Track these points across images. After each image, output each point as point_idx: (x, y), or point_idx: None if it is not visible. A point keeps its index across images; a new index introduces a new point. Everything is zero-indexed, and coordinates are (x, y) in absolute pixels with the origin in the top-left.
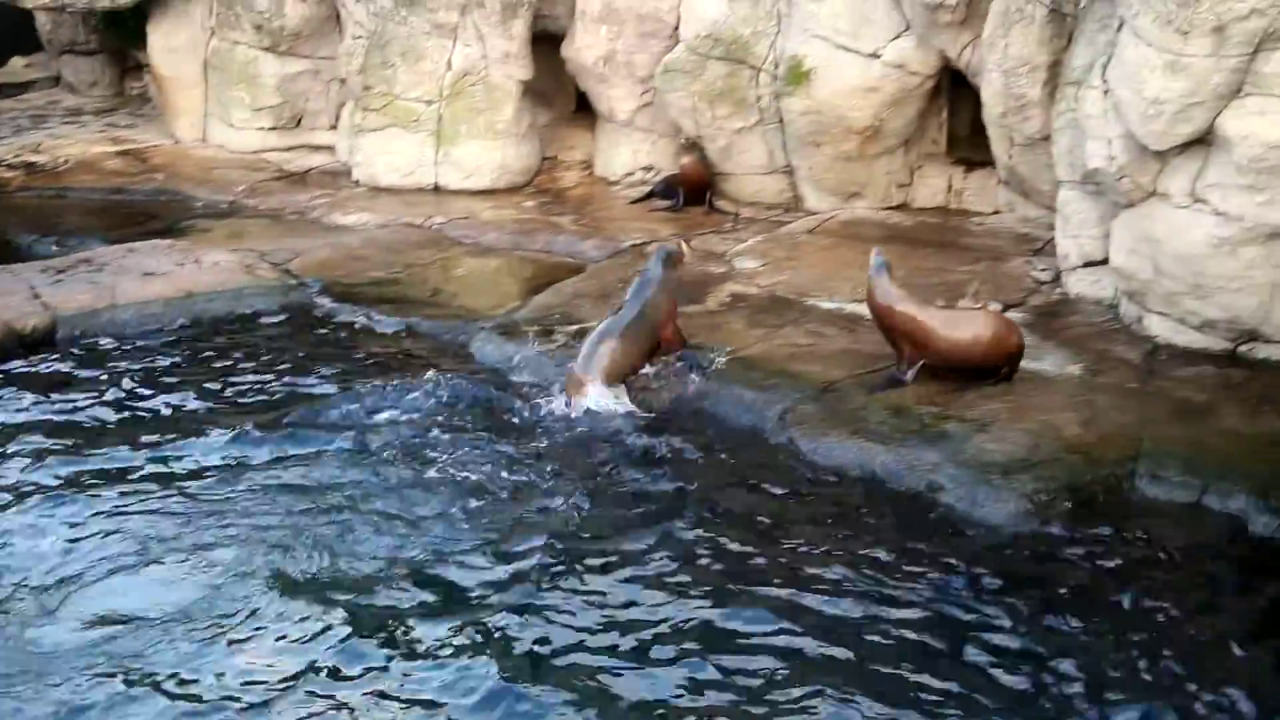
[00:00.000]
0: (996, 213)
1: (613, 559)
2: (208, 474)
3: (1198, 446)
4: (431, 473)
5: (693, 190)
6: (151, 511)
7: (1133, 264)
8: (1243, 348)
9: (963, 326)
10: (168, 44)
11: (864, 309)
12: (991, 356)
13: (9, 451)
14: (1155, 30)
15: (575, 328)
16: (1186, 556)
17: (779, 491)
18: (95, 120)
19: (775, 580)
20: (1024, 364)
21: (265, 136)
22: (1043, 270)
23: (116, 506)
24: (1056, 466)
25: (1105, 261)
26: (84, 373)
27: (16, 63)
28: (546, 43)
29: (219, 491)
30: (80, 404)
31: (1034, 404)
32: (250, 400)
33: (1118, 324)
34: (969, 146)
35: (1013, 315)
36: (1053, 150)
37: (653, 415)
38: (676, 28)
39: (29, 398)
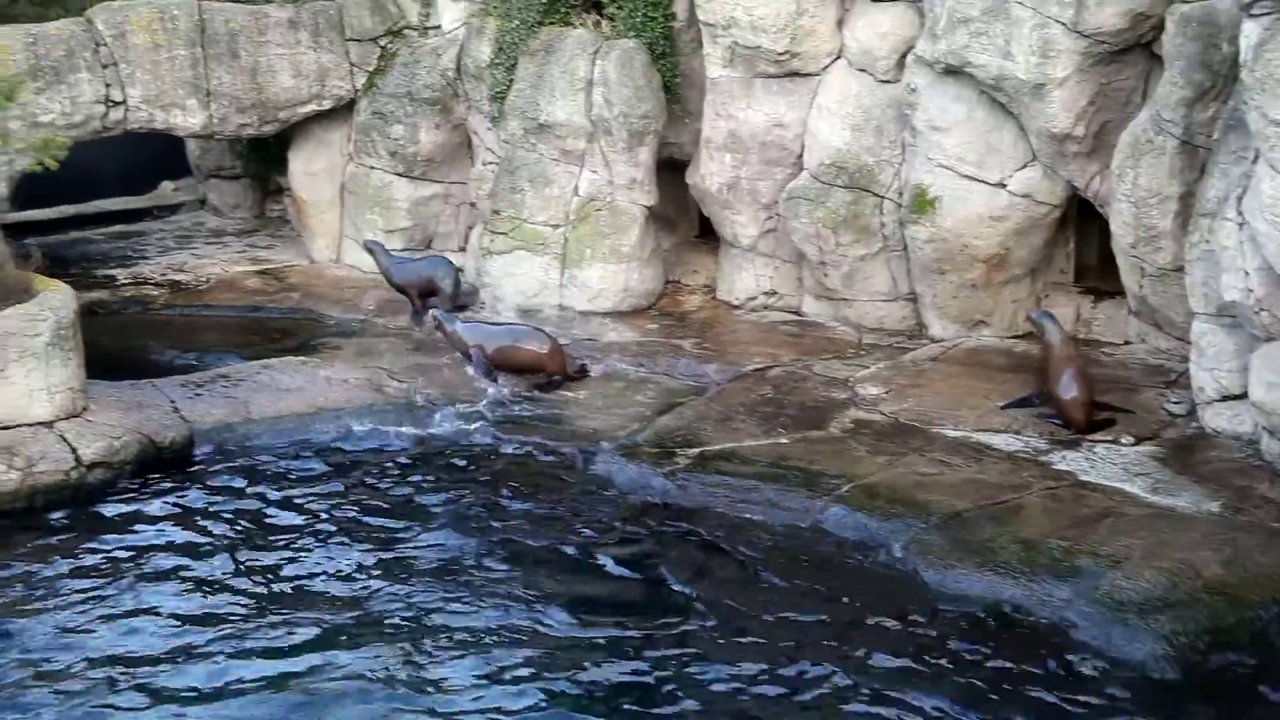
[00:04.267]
0: (1127, 343)
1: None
2: (332, 590)
3: None
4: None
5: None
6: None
7: (1274, 398)
8: None
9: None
10: (307, 169)
11: (991, 438)
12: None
13: (145, 556)
14: None
15: (697, 450)
16: None
17: (902, 623)
18: (237, 241)
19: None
20: (1157, 500)
21: None
22: (1177, 403)
23: (246, 616)
24: (1196, 607)
25: (1244, 395)
26: (217, 484)
27: (166, 186)
28: (671, 169)
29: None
30: (212, 514)
31: (1171, 541)
32: (374, 515)
33: (1258, 460)
34: (1098, 276)
35: (1146, 449)
36: (1186, 282)
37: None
38: (800, 155)
39: (166, 508)
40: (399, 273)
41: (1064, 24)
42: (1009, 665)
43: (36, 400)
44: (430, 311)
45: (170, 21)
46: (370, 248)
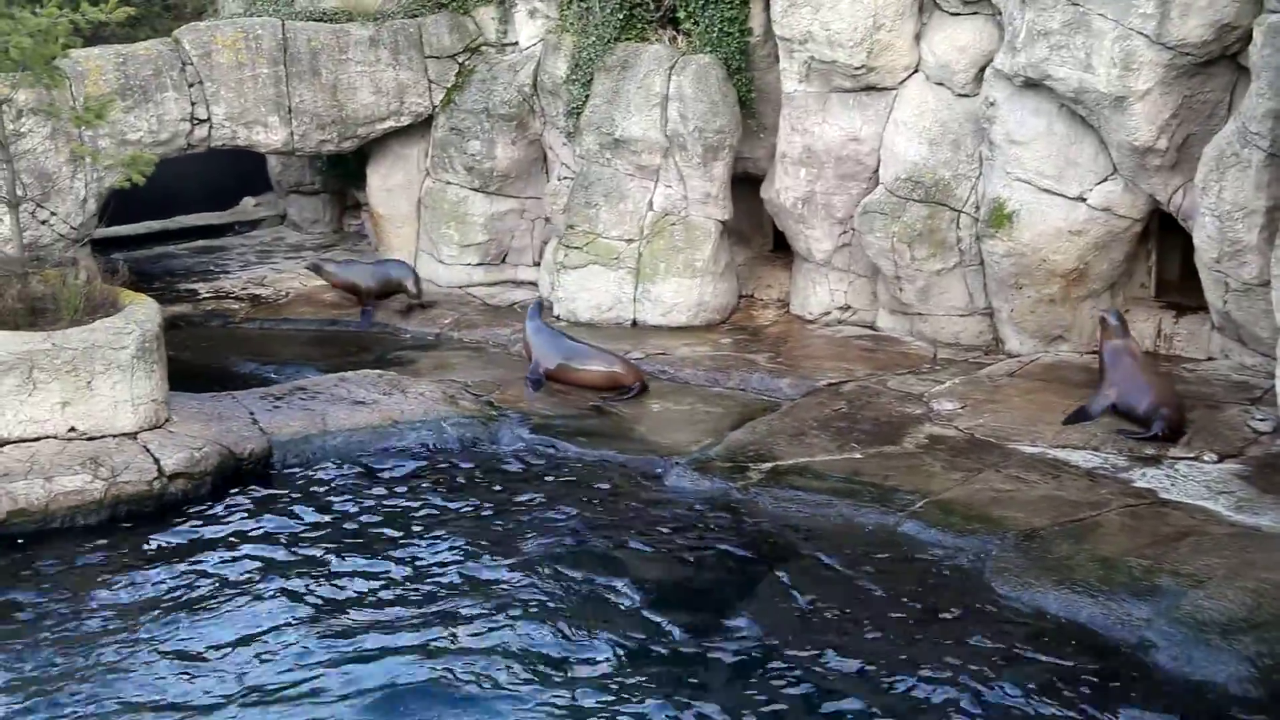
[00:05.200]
0: (1210, 359)
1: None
2: (411, 596)
3: None
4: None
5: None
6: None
7: None
8: None
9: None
10: (385, 184)
11: (1069, 454)
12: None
13: (225, 564)
14: None
15: (769, 465)
16: None
17: (975, 638)
18: (315, 255)
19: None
20: (1241, 519)
21: (472, 271)
22: (1261, 420)
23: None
24: None
25: None
26: (294, 495)
27: (248, 202)
28: (746, 184)
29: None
30: (290, 524)
31: (1254, 561)
32: (449, 525)
33: None
34: (1179, 290)
35: (1230, 466)
36: (1273, 297)
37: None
38: (876, 170)
39: (245, 518)
40: (360, 275)
41: (1147, 36)
42: (1086, 685)
43: (121, 412)
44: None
45: (254, 41)
46: (313, 266)
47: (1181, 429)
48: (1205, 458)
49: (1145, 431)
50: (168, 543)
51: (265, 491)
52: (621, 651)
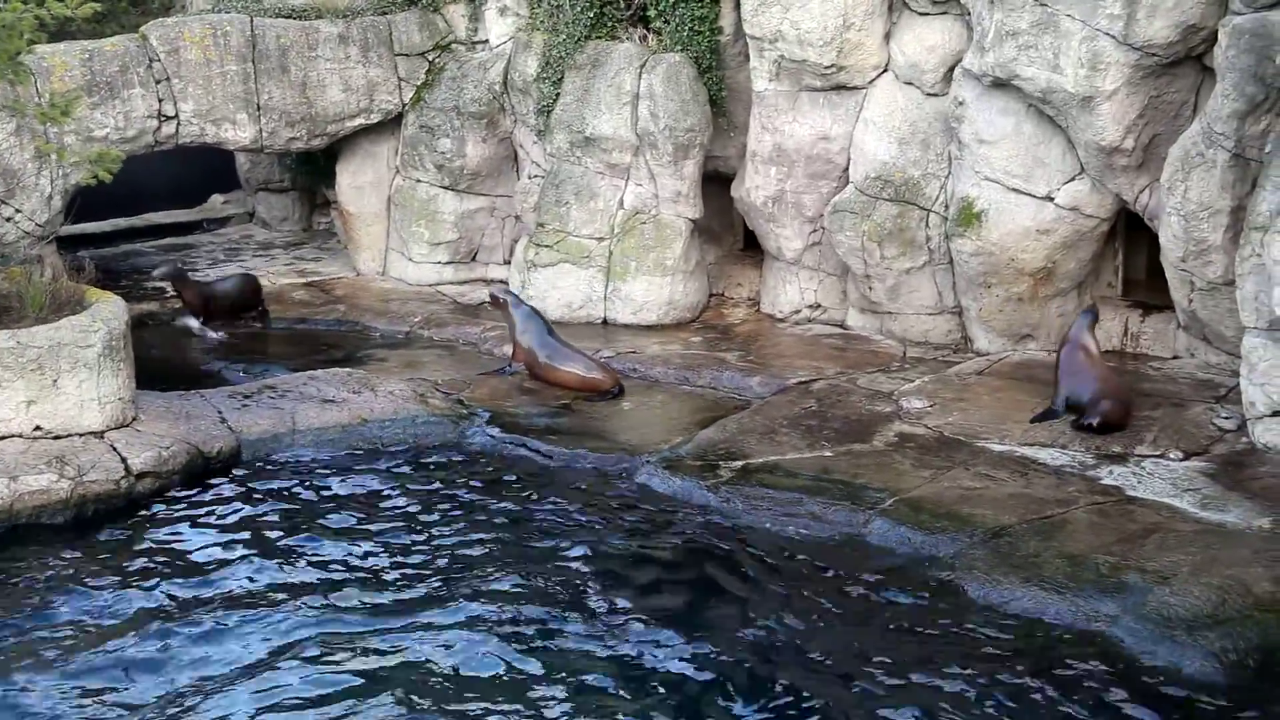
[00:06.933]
0: (1176, 357)
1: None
2: (379, 599)
3: None
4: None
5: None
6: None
7: None
8: None
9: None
10: (355, 182)
11: (1037, 452)
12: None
13: (192, 564)
14: None
15: (740, 463)
16: None
17: (943, 636)
18: (284, 253)
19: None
20: (1206, 516)
21: (441, 270)
22: (1227, 418)
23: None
24: (1246, 624)
25: None
26: (263, 493)
27: (216, 199)
28: (716, 182)
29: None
30: (258, 523)
31: (1219, 557)
32: (418, 524)
33: None
34: (1146, 290)
35: (1196, 464)
36: (1237, 295)
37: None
38: (846, 169)
39: (213, 517)
40: (219, 288)
41: (1114, 37)
42: (1053, 681)
43: (88, 410)
44: (493, 288)
45: (222, 37)
46: (167, 276)
47: (1122, 425)
48: (1171, 455)
49: (1081, 419)
50: (133, 542)
51: (233, 490)
52: (588, 650)
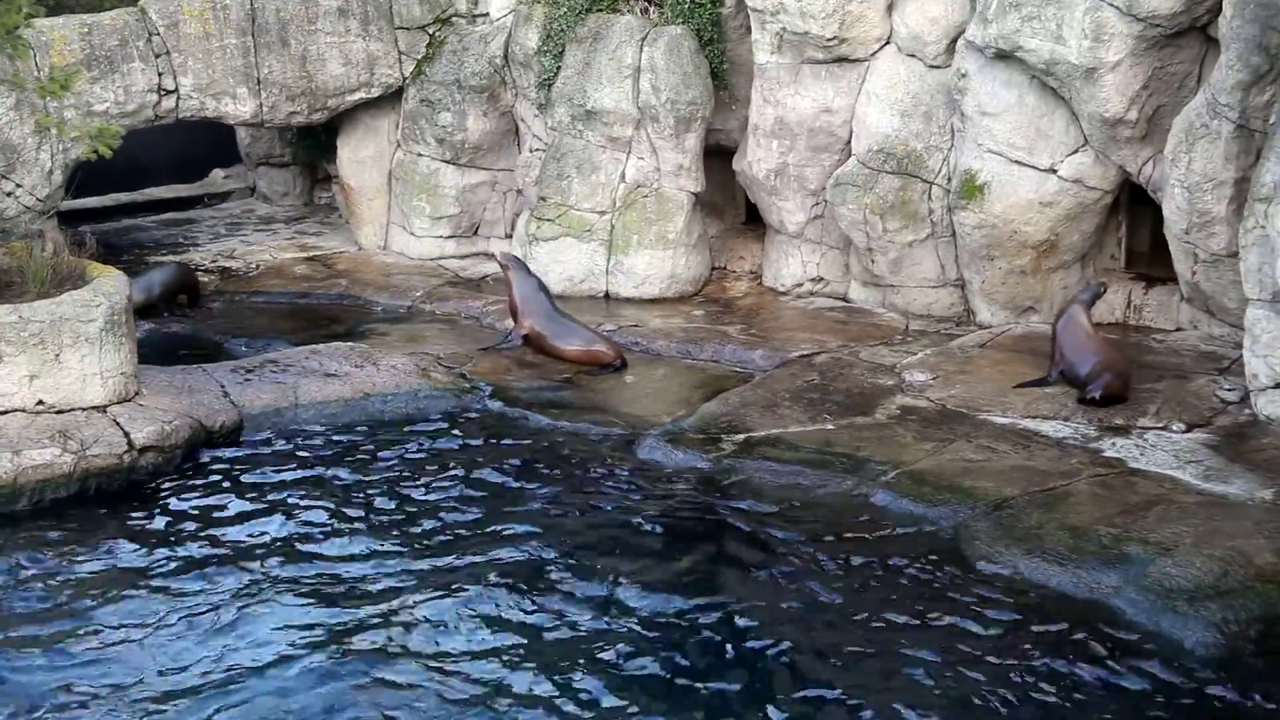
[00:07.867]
0: (1179, 330)
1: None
2: (379, 571)
3: None
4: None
5: None
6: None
7: None
8: None
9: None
10: (356, 156)
11: (1039, 424)
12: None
13: (195, 539)
14: None
15: (742, 436)
16: None
17: (943, 607)
18: (285, 228)
19: (940, 687)
20: (1209, 487)
21: (443, 244)
22: (1229, 390)
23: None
24: (1248, 595)
25: None
26: (265, 467)
27: (217, 174)
28: (718, 155)
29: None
30: (261, 497)
31: (1221, 529)
32: (420, 497)
33: None
34: (1149, 262)
35: (1198, 436)
36: (1240, 267)
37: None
38: (848, 142)
39: (215, 491)
40: (159, 276)
41: (1117, 7)
42: (1055, 653)
43: (90, 385)
44: (503, 255)
45: (222, 10)
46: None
47: (1123, 397)
48: (1173, 427)
49: (1083, 393)
50: (137, 516)
51: (236, 464)
52: (594, 624)
